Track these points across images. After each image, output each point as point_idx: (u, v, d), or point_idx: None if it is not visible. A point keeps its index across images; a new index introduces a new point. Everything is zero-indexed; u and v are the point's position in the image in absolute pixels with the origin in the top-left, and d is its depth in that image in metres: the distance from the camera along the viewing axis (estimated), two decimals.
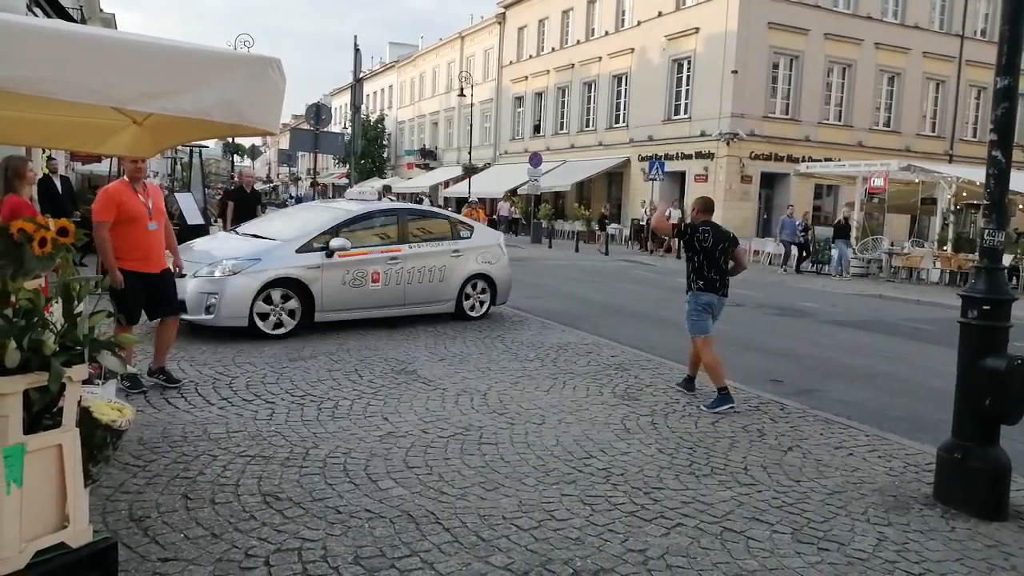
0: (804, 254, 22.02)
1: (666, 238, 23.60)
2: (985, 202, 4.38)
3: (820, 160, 26.92)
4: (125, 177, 5.76)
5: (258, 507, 3.79)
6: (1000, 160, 4.27)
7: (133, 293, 5.57)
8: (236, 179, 17.60)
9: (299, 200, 34.88)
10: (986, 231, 4.33)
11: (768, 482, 4.53)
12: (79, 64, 2.74)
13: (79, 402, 2.76)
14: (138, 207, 5.59)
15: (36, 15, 10.30)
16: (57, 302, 2.73)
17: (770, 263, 24.11)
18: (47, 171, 12.38)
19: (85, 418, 2.89)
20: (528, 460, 4.68)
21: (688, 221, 7.01)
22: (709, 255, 6.46)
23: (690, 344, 6.65)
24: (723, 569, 3.40)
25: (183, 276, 6.15)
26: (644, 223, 28.09)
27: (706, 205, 6.84)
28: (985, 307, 4.22)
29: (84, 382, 2.80)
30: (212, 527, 3.54)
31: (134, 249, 5.60)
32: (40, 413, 2.59)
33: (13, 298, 2.58)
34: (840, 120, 30.46)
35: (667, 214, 10.88)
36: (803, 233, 21.93)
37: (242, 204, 11.86)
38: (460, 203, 38.05)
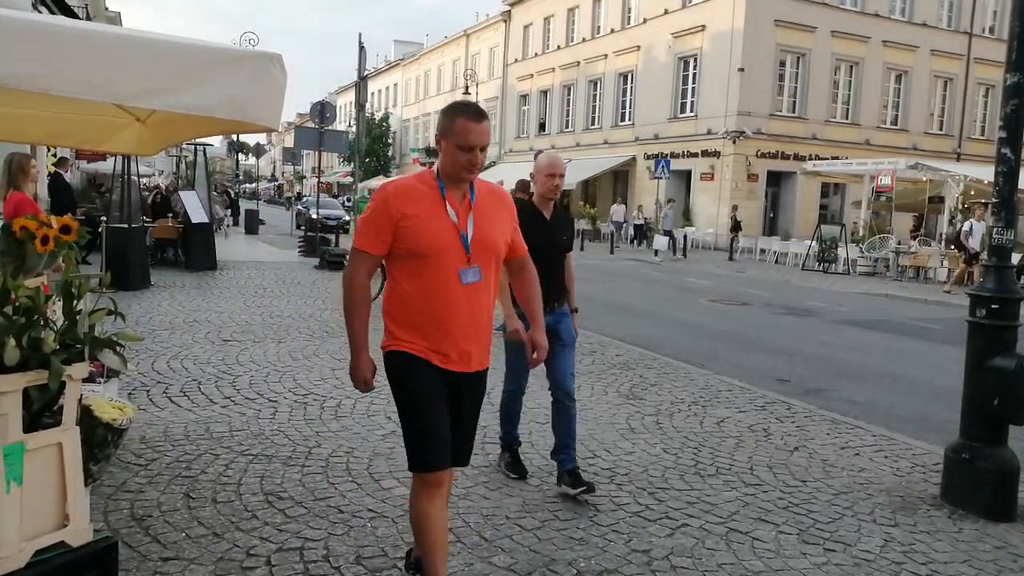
0: None
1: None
2: (994, 200, 4.34)
3: (827, 158, 26.87)
4: (430, 166, 2.87)
5: (260, 506, 3.77)
6: (1009, 157, 4.23)
7: (417, 401, 2.79)
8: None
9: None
10: (995, 229, 4.29)
11: (774, 482, 4.49)
12: (80, 60, 2.73)
13: (80, 400, 2.74)
14: (438, 231, 2.67)
15: (41, 12, 10.31)
16: (58, 300, 2.72)
17: (776, 262, 24.04)
18: (54, 169, 12.39)
19: (86, 416, 2.88)
20: (532, 460, 4.65)
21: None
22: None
23: None
24: (728, 570, 3.37)
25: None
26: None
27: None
28: (993, 306, 4.18)
29: (85, 380, 2.78)
30: (214, 526, 3.52)
31: (419, 314, 2.71)
32: (40, 411, 2.57)
33: (13, 296, 2.57)
34: (847, 118, 30.37)
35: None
36: None
37: None
38: None
